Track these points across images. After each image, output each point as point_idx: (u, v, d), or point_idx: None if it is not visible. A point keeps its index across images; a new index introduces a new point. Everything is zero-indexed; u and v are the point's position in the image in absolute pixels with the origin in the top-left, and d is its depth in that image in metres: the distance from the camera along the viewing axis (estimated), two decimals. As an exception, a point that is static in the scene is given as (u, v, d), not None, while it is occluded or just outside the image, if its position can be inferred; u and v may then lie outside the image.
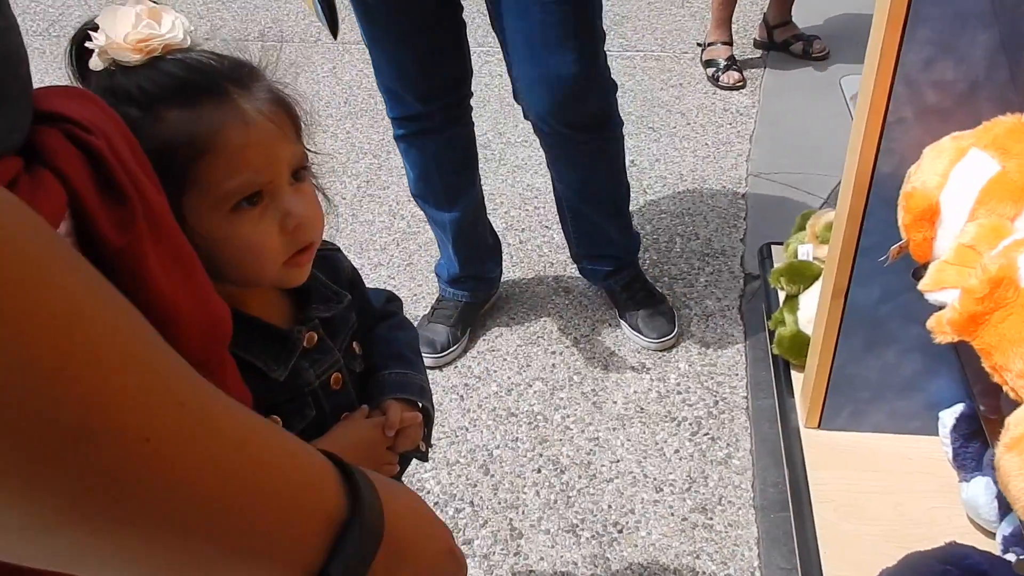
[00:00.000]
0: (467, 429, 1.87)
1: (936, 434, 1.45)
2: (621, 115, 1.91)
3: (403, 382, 0.99)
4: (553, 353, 2.05)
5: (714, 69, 3.15)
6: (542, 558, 1.60)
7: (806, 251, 1.80)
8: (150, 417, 0.36)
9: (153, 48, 0.74)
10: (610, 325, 2.12)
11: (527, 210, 2.57)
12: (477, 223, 2.06)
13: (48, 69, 2.63)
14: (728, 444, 1.79)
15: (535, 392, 1.95)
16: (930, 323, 1.08)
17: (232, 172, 0.75)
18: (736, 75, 3.12)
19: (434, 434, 1.84)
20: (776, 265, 1.81)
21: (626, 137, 2.82)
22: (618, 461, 1.77)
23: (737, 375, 1.95)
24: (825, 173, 2.58)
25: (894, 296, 1.38)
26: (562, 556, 1.60)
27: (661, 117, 2.99)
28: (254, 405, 0.79)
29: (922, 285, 1.14)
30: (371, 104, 3.14)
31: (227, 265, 0.79)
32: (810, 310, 1.59)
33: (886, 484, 1.42)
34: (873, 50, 1.25)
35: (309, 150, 0.86)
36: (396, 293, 2.22)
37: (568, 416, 1.89)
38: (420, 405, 1.00)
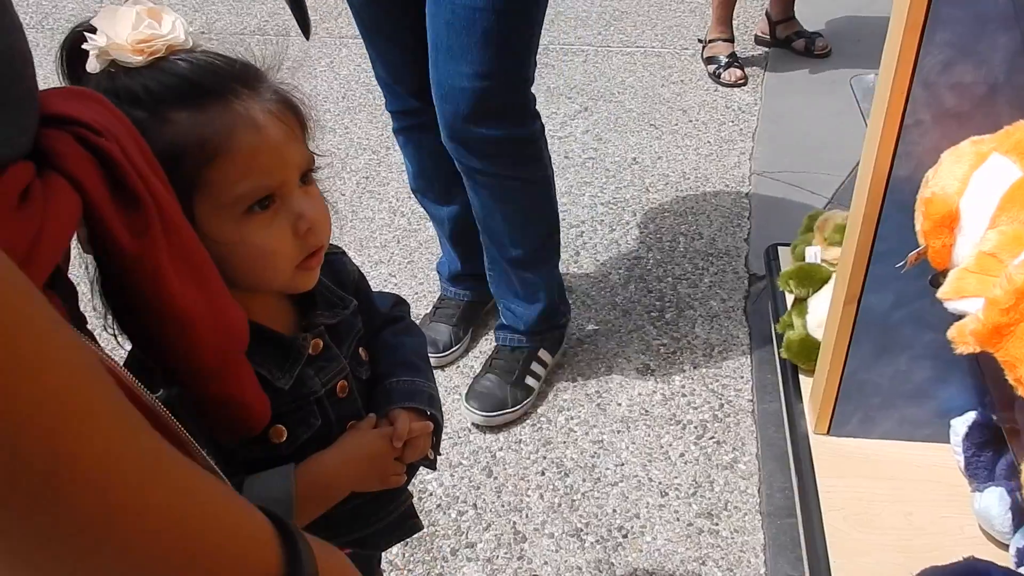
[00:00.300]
0: (469, 430, 1.85)
1: (947, 442, 1.43)
2: (543, 155, 1.71)
3: (411, 390, 0.96)
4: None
5: (715, 66, 3.13)
6: (546, 562, 1.58)
7: (814, 253, 1.78)
8: (115, 466, 0.36)
9: (156, 49, 0.71)
10: (614, 325, 2.09)
11: (528, 208, 2.55)
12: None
13: (42, 63, 2.59)
14: (734, 448, 1.77)
15: (539, 392, 1.93)
16: (951, 333, 1.06)
17: (244, 175, 0.73)
18: (738, 72, 3.10)
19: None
20: (784, 267, 1.79)
21: (629, 134, 2.84)
22: (623, 464, 1.75)
23: (742, 378, 1.93)
24: (829, 172, 2.57)
25: (908, 302, 1.36)
26: (566, 561, 1.58)
27: (663, 114, 2.97)
28: None
29: (941, 293, 1.12)
30: (369, 99, 3.11)
31: (238, 270, 0.76)
32: (820, 314, 1.57)
33: (896, 492, 1.41)
34: (891, 51, 1.23)
35: (314, 153, 0.84)
36: (399, 293, 2.21)
37: (572, 418, 1.86)
38: (429, 414, 0.97)
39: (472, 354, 2.04)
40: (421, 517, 1.64)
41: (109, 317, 0.62)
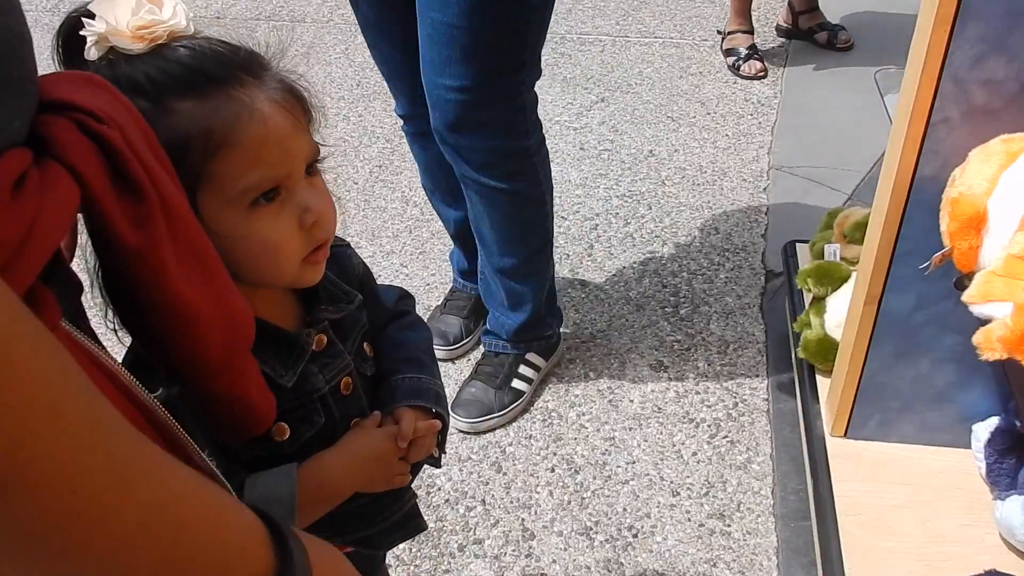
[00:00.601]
0: (479, 425, 1.82)
1: (968, 447, 1.40)
2: (537, 171, 1.67)
3: (417, 388, 0.94)
4: (570, 348, 1.99)
5: (735, 58, 3.08)
6: (554, 561, 1.55)
7: (833, 251, 1.75)
8: (77, 468, 0.35)
9: (157, 35, 0.69)
10: (627, 320, 2.06)
11: (543, 199, 2.52)
12: None
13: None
14: (748, 448, 1.74)
15: (550, 388, 1.90)
16: (977, 338, 1.03)
17: (249, 167, 0.71)
18: (758, 65, 3.05)
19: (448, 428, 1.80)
20: (803, 265, 1.76)
21: (646, 126, 2.80)
22: (634, 462, 1.73)
23: (757, 376, 1.90)
24: (849, 168, 2.53)
25: (930, 304, 1.33)
26: (575, 560, 1.55)
27: (680, 106, 2.93)
28: None
29: (967, 296, 1.09)
30: (384, 87, 3.04)
31: (243, 265, 0.74)
32: (839, 314, 1.54)
33: (914, 498, 1.37)
34: (919, 45, 1.19)
35: (320, 144, 0.81)
36: (408, 286, 2.18)
37: (583, 414, 1.84)
38: (435, 412, 0.95)
39: (460, 365, 2.00)
40: (429, 512, 1.64)
41: (109, 311, 0.60)
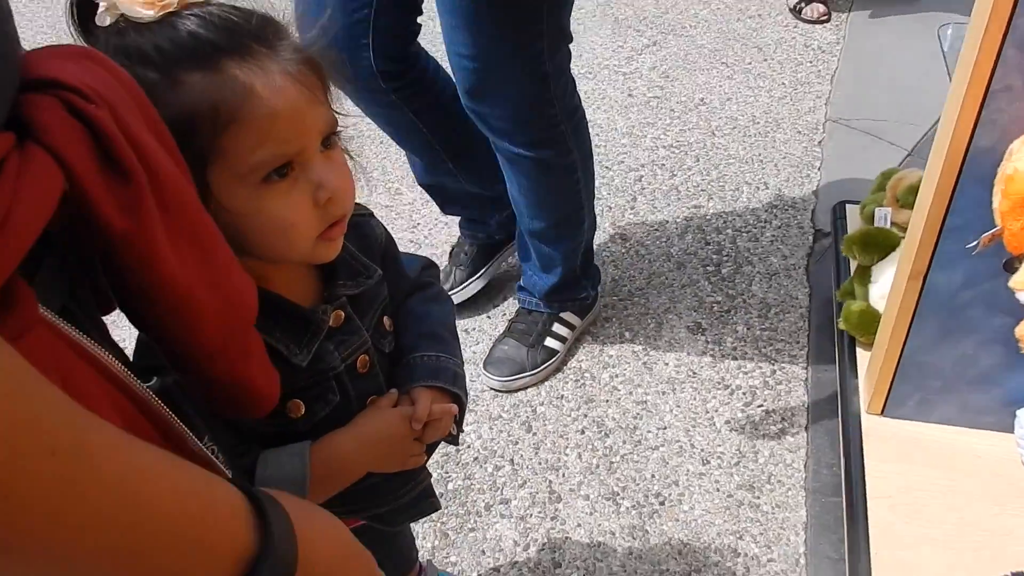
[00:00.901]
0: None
1: (1011, 432, 1.34)
2: (566, 139, 1.59)
3: (435, 367, 0.92)
4: (607, 306, 1.96)
5: (797, 0, 2.94)
6: (579, 524, 1.55)
7: (884, 215, 1.67)
8: (14, 470, 0.34)
9: (168, 3, 0.66)
10: (667, 278, 2.02)
11: (587, 148, 2.45)
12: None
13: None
14: (783, 418, 1.69)
15: (584, 347, 1.88)
16: (1020, 331, 0.97)
17: (260, 143, 0.68)
18: (821, 8, 2.91)
19: (479, 386, 1.79)
20: (850, 230, 1.68)
21: (698, 72, 2.70)
22: (665, 428, 1.70)
23: (798, 343, 1.84)
24: (912, 123, 2.41)
25: (978, 282, 1.26)
26: (600, 524, 1.54)
27: (736, 51, 2.81)
28: None
29: (1014, 282, 1.03)
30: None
31: (256, 241, 0.73)
32: (884, 285, 1.47)
33: (950, 483, 1.33)
34: (982, 6, 1.10)
35: (337, 112, 0.78)
36: (445, 239, 2.16)
37: (616, 375, 1.81)
38: (452, 392, 0.93)
39: (497, 319, 1.98)
40: (457, 469, 1.64)
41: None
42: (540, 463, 1.66)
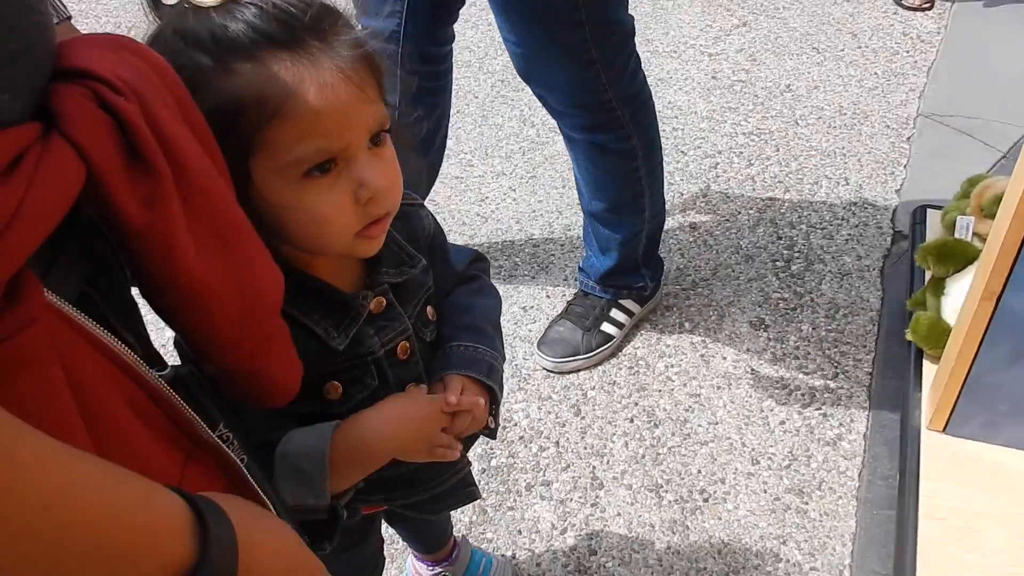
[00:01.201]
0: (564, 364, 1.79)
1: (1081, 463, 1.28)
2: (624, 124, 1.56)
3: (471, 357, 0.91)
4: (668, 294, 1.93)
5: (900, -14, 2.82)
6: (619, 514, 1.53)
7: (965, 224, 1.59)
8: None
9: None
10: (733, 271, 1.97)
11: (664, 130, 2.37)
12: None
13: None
14: (841, 424, 1.64)
15: (641, 334, 1.85)
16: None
17: (304, 138, 0.68)
18: (925, -5, 2.78)
19: (532, 364, 1.79)
20: (929, 237, 1.61)
21: (787, 57, 2.61)
22: (716, 423, 1.67)
23: (865, 347, 1.78)
24: (1009, 122, 2.29)
25: (1058, 305, 1.19)
26: (640, 516, 1.53)
27: (829, 36, 2.71)
28: (311, 372, 0.74)
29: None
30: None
31: (294, 233, 0.73)
32: (957, 299, 1.41)
33: (1010, 510, 1.27)
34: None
35: (388, 104, 0.77)
36: (515, 211, 2.15)
37: (672, 366, 1.78)
38: (486, 384, 0.92)
39: (556, 299, 1.96)
40: (501, 447, 1.64)
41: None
42: (585, 448, 1.64)
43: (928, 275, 1.57)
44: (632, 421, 1.69)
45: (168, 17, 0.68)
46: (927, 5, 2.78)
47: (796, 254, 1.99)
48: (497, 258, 2.06)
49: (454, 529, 1.41)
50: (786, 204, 2.12)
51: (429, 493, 0.95)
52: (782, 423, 1.66)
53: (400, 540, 1.43)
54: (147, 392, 0.52)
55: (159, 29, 0.69)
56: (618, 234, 1.72)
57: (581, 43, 1.41)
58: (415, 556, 1.39)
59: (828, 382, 1.72)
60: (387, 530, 1.29)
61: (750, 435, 1.64)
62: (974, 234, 1.55)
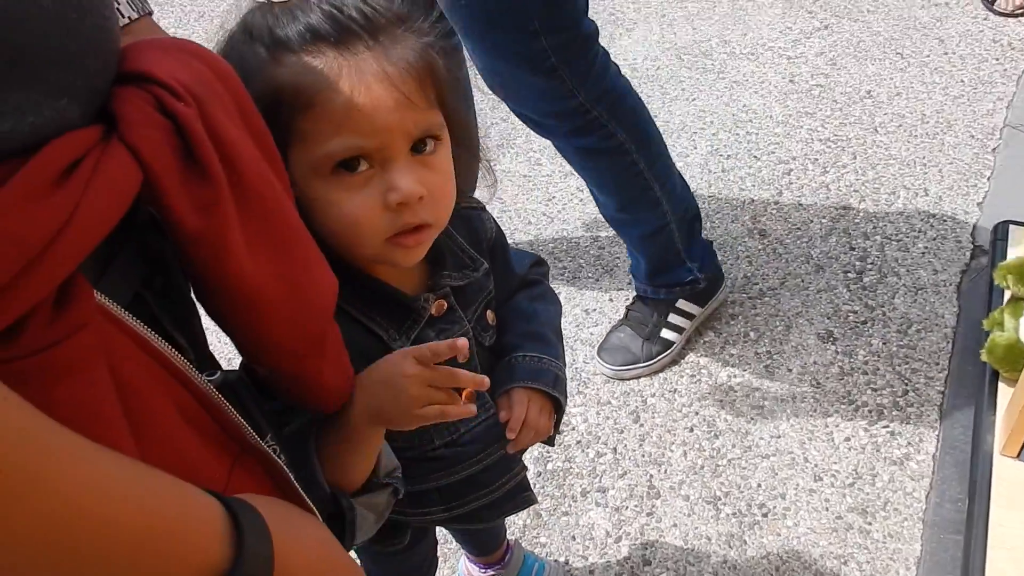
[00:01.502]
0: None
1: None
2: (604, 123, 1.52)
3: (537, 369, 0.91)
4: (733, 303, 1.89)
5: (992, -10, 2.71)
6: (675, 524, 1.52)
7: (1051, 242, 1.53)
8: None
9: None
10: (803, 280, 1.92)
11: (738, 134, 2.36)
12: None
13: None
14: (909, 443, 1.60)
15: (705, 342, 1.82)
16: None
17: (334, 132, 0.68)
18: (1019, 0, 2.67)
19: (592, 368, 1.78)
20: (1011, 253, 1.55)
21: (869, 62, 2.54)
22: (779, 437, 1.63)
23: (938, 364, 1.72)
24: (1103, 136, 2.19)
25: None
26: (696, 528, 1.51)
27: (914, 41, 2.62)
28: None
29: None
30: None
31: (326, 231, 0.73)
32: (1037, 320, 1.35)
33: (1085, 544, 1.21)
34: None
35: (451, 115, 0.76)
36: (582, 212, 2.14)
37: (735, 376, 1.75)
38: (552, 396, 0.92)
39: (619, 302, 1.94)
40: (558, 451, 1.64)
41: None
42: (643, 456, 1.63)
43: (1007, 294, 1.51)
44: (692, 431, 1.66)
45: (244, 12, 0.71)
46: (1020, 11, 2.67)
47: (869, 266, 1.94)
48: (561, 259, 2.06)
49: (508, 532, 1.41)
50: (861, 214, 2.07)
51: (487, 498, 0.95)
52: (847, 439, 1.62)
53: (453, 540, 1.43)
54: (196, 396, 0.53)
55: (236, 24, 0.72)
56: (641, 231, 1.70)
57: (540, 53, 1.40)
58: (468, 558, 1.40)
59: (897, 399, 1.67)
60: (440, 530, 1.29)
61: (813, 450, 1.61)
62: (1059, 253, 1.49)
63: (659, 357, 1.76)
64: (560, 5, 1.38)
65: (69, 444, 0.39)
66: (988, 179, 2.13)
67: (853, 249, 1.98)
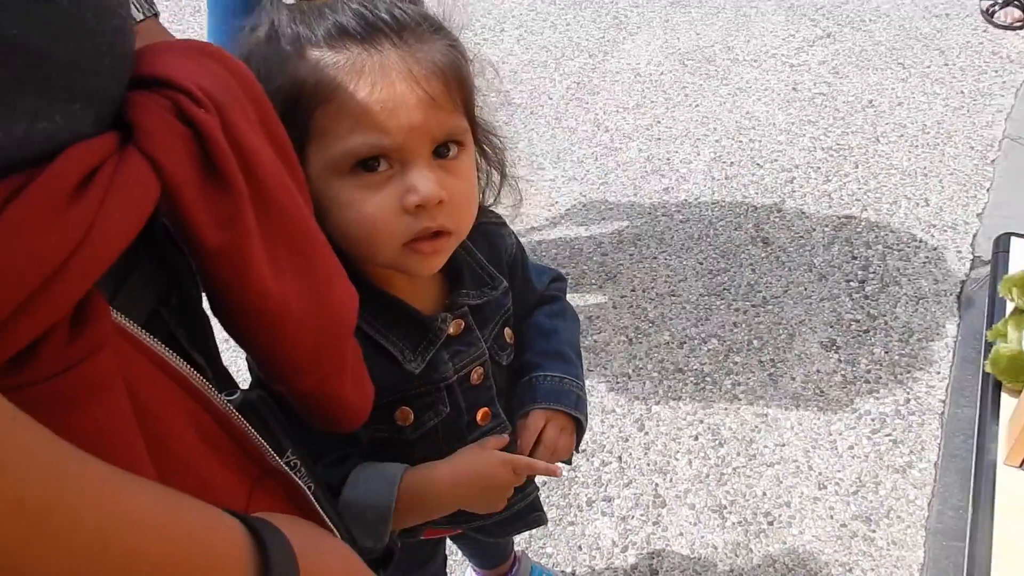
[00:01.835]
0: (629, 377, 1.79)
1: None
2: None
3: (558, 389, 0.88)
4: (736, 310, 1.91)
5: (991, 2, 2.73)
6: (681, 533, 1.53)
7: (1054, 255, 1.55)
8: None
9: None
10: (805, 289, 1.94)
11: (740, 142, 2.38)
12: None
13: None
14: (911, 451, 1.61)
15: (709, 350, 1.84)
16: None
17: (352, 130, 0.66)
18: (1017, 13, 2.70)
19: (596, 375, 1.79)
20: (1012, 267, 1.57)
21: (871, 71, 2.56)
22: (783, 445, 1.65)
23: (939, 373, 1.74)
24: (1102, 148, 2.22)
25: None
26: (703, 536, 1.52)
27: (916, 52, 2.65)
28: (384, 396, 0.73)
29: None
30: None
31: (343, 235, 0.70)
32: (1041, 334, 1.37)
33: (1089, 556, 1.23)
34: None
35: (480, 120, 0.76)
36: (584, 217, 2.15)
37: (739, 384, 1.77)
38: (574, 416, 0.91)
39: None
40: (564, 458, 1.65)
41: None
42: (648, 464, 1.64)
43: (1011, 306, 1.52)
44: (697, 439, 1.68)
45: (272, 13, 0.70)
46: (1019, 24, 2.70)
47: (871, 275, 1.96)
48: (564, 265, 2.07)
49: (514, 544, 1.42)
50: (863, 223, 2.08)
51: (496, 518, 0.93)
52: (851, 448, 1.63)
53: (459, 552, 1.44)
54: (215, 417, 0.51)
55: (263, 25, 0.71)
56: None
57: None
58: (474, 569, 1.40)
59: (899, 408, 1.69)
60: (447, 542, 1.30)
61: (817, 459, 1.62)
62: (1062, 266, 1.51)
63: None
64: None
65: (94, 473, 0.37)
66: (987, 190, 2.15)
67: (855, 258, 2.00)
